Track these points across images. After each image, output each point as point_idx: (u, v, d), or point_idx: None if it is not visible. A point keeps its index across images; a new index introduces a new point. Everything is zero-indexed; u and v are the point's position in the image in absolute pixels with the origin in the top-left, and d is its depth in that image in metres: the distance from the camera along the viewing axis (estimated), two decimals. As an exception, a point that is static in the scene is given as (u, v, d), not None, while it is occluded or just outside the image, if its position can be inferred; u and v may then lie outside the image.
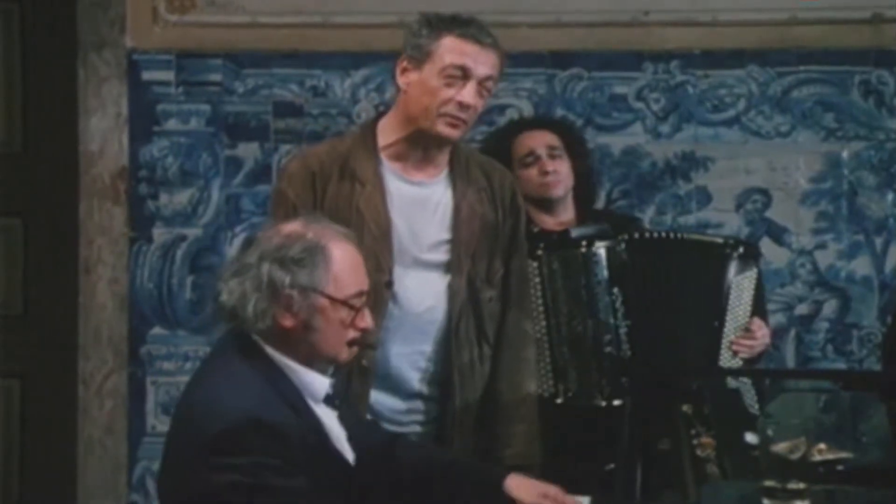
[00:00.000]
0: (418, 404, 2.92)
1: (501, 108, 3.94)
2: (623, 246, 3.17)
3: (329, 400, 2.45)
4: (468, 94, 2.82)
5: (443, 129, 2.84)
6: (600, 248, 3.16)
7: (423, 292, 2.88)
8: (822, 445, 2.56)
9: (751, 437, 2.72)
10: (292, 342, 2.40)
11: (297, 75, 3.95)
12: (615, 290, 3.14)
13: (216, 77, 3.95)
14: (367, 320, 2.45)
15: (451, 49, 2.82)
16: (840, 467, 2.55)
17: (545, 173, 3.33)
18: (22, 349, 4.05)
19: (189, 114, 3.96)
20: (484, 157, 3.08)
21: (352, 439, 2.50)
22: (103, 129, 3.94)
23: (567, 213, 3.39)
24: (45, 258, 4.04)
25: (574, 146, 3.44)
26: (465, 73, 2.82)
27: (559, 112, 3.94)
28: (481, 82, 2.84)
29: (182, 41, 3.95)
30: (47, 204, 4.03)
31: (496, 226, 2.96)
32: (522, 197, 3.16)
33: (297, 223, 2.47)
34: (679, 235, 3.37)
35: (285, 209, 2.83)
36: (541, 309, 3.17)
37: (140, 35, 3.94)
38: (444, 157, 2.93)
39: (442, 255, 2.90)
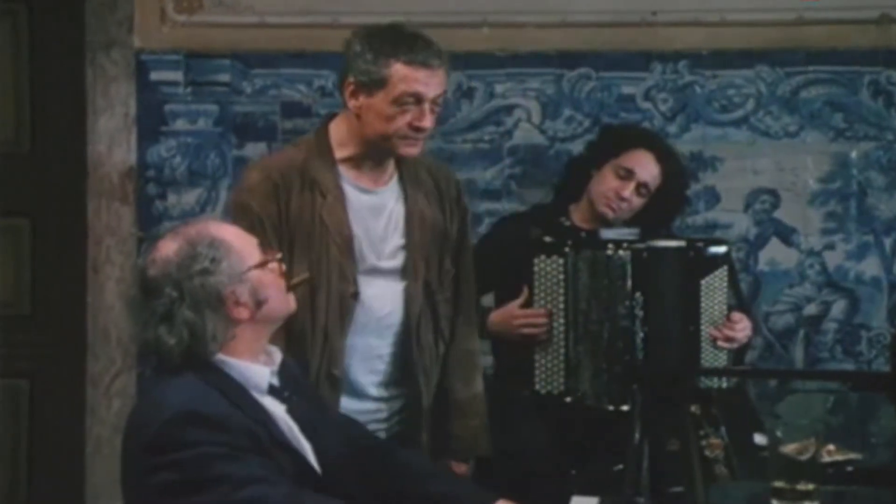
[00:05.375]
0: (373, 405, 2.94)
1: (509, 109, 3.94)
2: (647, 253, 3.16)
3: (276, 392, 2.43)
4: (425, 119, 2.84)
5: (404, 150, 2.87)
6: (626, 253, 3.15)
7: (383, 299, 2.91)
8: (831, 446, 2.56)
9: (760, 438, 2.72)
10: (248, 329, 2.39)
11: (305, 75, 3.95)
12: (637, 295, 3.13)
13: (224, 77, 3.95)
14: (281, 266, 2.49)
15: (402, 77, 2.82)
16: (849, 468, 2.55)
17: (619, 196, 3.32)
18: (30, 349, 4.05)
19: (197, 114, 3.96)
20: (429, 159, 3.11)
21: (312, 432, 2.47)
22: (111, 130, 3.94)
23: (605, 224, 3.39)
24: (53, 258, 4.04)
25: (671, 184, 3.40)
26: (417, 99, 2.83)
27: (566, 112, 3.93)
28: (433, 100, 2.86)
29: (190, 41, 3.95)
30: (55, 204, 4.03)
31: (445, 227, 3.00)
32: (590, 196, 3.31)
33: (167, 241, 2.41)
34: (668, 245, 3.34)
35: (250, 222, 2.79)
36: (561, 306, 3.18)
37: (148, 35, 3.94)
38: (392, 163, 2.95)
39: (398, 262, 2.94)
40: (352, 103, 2.87)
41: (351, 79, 2.87)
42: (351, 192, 2.90)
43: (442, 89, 2.87)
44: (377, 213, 2.92)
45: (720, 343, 3.22)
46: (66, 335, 4.00)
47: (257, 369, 2.41)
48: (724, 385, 3.19)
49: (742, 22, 3.92)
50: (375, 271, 2.91)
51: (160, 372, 2.41)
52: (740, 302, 3.34)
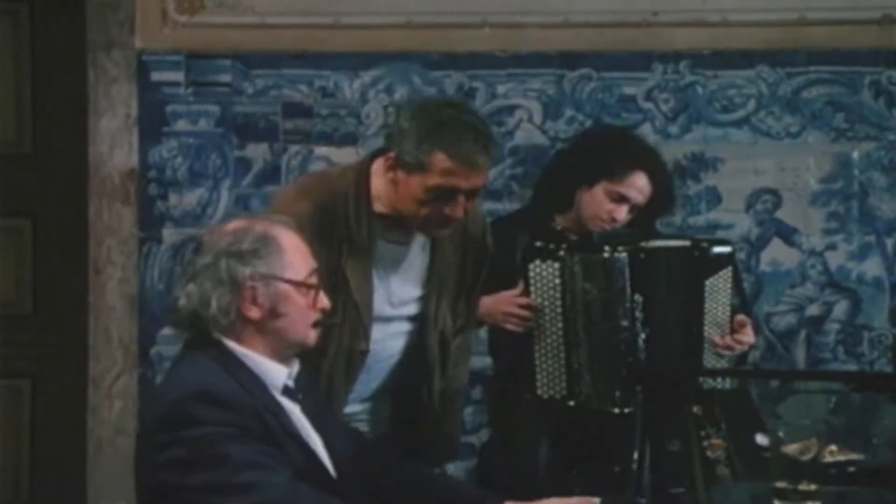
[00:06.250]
0: (360, 417, 2.94)
1: (511, 109, 3.94)
2: (644, 254, 3.15)
3: (290, 393, 2.47)
4: (458, 211, 2.72)
5: (433, 233, 2.80)
6: (623, 254, 3.14)
7: (385, 344, 2.87)
8: (833, 447, 2.56)
9: (761, 439, 2.72)
10: (258, 333, 2.44)
11: (307, 76, 3.95)
12: (636, 296, 3.12)
13: (225, 78, 3.95)
14: (324, 301, 2.50)
15: (442, 171, 2.67)
16: (851, 468, 2.55)
17: (612, 219, 3.27)
18: (31, 350, 4.05)
19: (198, 114, 3.96)
20: None
21: (323, 433, 2.51)
22: (113, 130, 3.94)
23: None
24: (54, 259, 4.04)
25: (658, 195, 3.32)
26: (454, 191, 2.70)
27: (568, 113, 3.93)
28: (470, 192, 2.74)
29: (191, 42, 3.95)
30: (57, 205, 4.03)
31: (465, 270, 2.95)
32: (580, 213, 3.26)
33: (241, 220, 2.52)
34: (666, 244, 3.33)
35: None
36: (559, 310, 3.16)
37: (149, 36, 3.94)
38: None
39: (409, 310, 2.89)
40: (389, 175, 2.74)
41: (392, 153, 2.73)
42: (378, 244, 2.81)
43: (480, 183, 2.72)
44: (400, 262, 2.86)
45: (721, 351, 3.20)
46: (68, 336, 4.00)
47: (274, 366, 2.45)
48: (728, 386, 3.19)
49: (743, 22, 3.92)
50: (389, 319, 2.87)
51: (183, 352, 2.48)
52: (743, 303, 3.33)
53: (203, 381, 2.36)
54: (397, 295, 2.87)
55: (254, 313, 2.42)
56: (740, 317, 3.23)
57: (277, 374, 2.45)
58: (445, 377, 2.97)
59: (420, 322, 2.90)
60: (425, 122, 2.70)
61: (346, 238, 2.77)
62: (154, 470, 2.34)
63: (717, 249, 3.24)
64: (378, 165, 2.80)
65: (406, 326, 2.90)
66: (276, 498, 2.29)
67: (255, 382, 2.41)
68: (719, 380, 3.19)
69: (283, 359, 2.47)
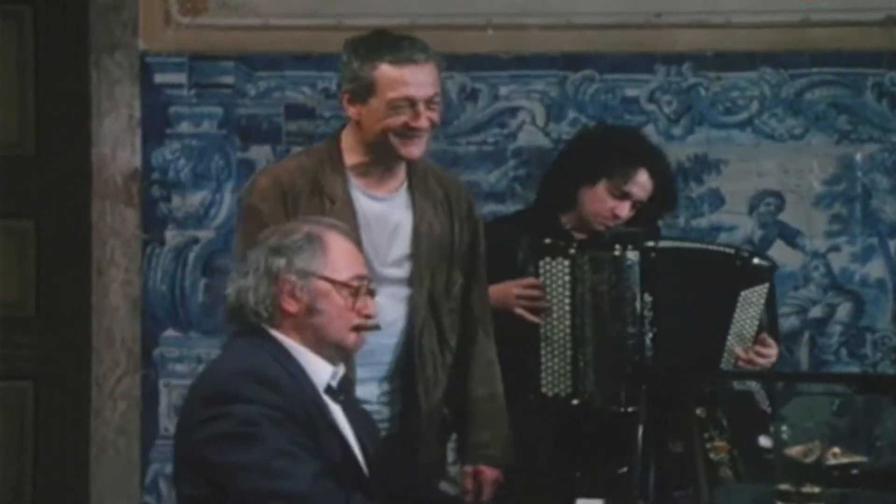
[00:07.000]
0: (373, 408, 2.93)
1: (513, 111, 3.94)
2: (655, 253, 3.15)
3: (332, 393, 2.53)
4: (420, 120, 2.85)
5: (404, 150, 2.88)
6: (634, 253, 3.14)
7: (385, 308, 2.89)
8: (836, 449, 2.55)
9: (764, 441, 2.72)
10: (299, 328, 2.51)
11: (309, 77, 3.95)
12: (645, 296, 3.12)
13: (228, 79, 3.95)
14: (370, 307, 2.57)
15: (390, 81, 2.83)
16: (854, 471, 2.54)
17: (615, 216, 3.28)
18: (34, 351, 4.05)
19: (201, 116, 3.97)
20: (439, 169, 3.12)
21: (360, 434, 2.56)
22: (116, 132, 3.95)
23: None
24: (57, 260, 4.05)
25: (660, 192, 3.33)
26: (410, 101, 2.83)
27: (571, 114, 3.93)
28: (428, 100, 2.86)
29: (194, 43, 3.95)
30: (60, 206, 4.03)
31: (453, 238, 3.00)
32: (582, 211, 3.28)
33: (296, 222, 2.62)
34: (700, 246, 3.34)
35: (258, 224, 2.81)
36: (567, 308, 3.17)
37: (152, 37, 3.95)
38: (403, 170, 2.97)
39: (401, 271, 2.95)
40: (350, 112, 2.90)
41: (345, 87, 2.91)
42: (359, 199, 2.91)
43: (433, 87, 2.86)
44: (383, 221, 2.93)
45: (740, 364, 3.20)
46: (71, 337, 4.00)
47: (320, 363, 2.52)
48: (751, 388, 3.19)
49: (746, 24, 3.92)
50: (377, 279, 2.89)
51: (231, 340, 2.56)
52: (772, 323, 3.32)
53: (254, 363, 2.43)
54: (385, 254, 2.92)
55: (291, 306, 2.49)
56: (767, 338, 3.22)
57: (323, 371, 2.52)
58: (449, 351, 2.99)
59: (409, 284, 2.95)
60: (361, 47, 2.89)
61: (326, 194, 2.88)
62: (195, 446, 2.40)
63: (758, 261, 3.24)
64: (347, 129, 2.94)
65: (402, 291, 2.94)
66: (301, 489, 2.35)
67: (301, 374, 2.48)
68: (749, 383, 3.20)
69: (326, 358, 2.53)
